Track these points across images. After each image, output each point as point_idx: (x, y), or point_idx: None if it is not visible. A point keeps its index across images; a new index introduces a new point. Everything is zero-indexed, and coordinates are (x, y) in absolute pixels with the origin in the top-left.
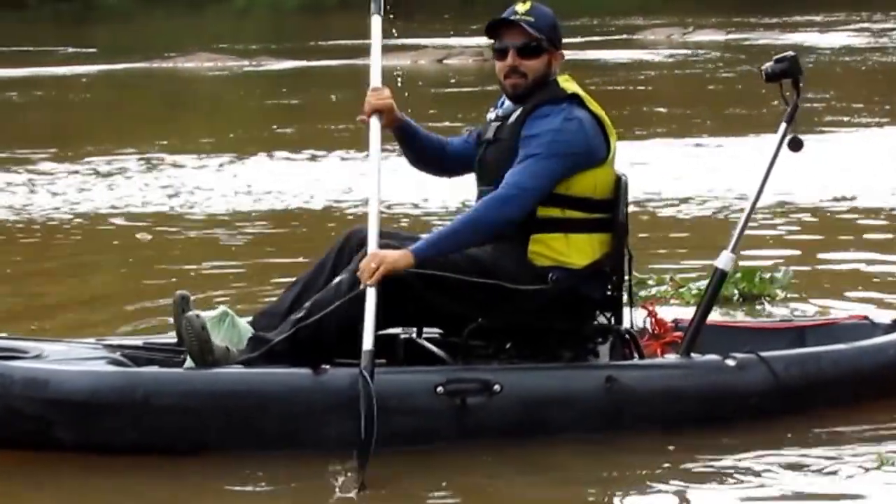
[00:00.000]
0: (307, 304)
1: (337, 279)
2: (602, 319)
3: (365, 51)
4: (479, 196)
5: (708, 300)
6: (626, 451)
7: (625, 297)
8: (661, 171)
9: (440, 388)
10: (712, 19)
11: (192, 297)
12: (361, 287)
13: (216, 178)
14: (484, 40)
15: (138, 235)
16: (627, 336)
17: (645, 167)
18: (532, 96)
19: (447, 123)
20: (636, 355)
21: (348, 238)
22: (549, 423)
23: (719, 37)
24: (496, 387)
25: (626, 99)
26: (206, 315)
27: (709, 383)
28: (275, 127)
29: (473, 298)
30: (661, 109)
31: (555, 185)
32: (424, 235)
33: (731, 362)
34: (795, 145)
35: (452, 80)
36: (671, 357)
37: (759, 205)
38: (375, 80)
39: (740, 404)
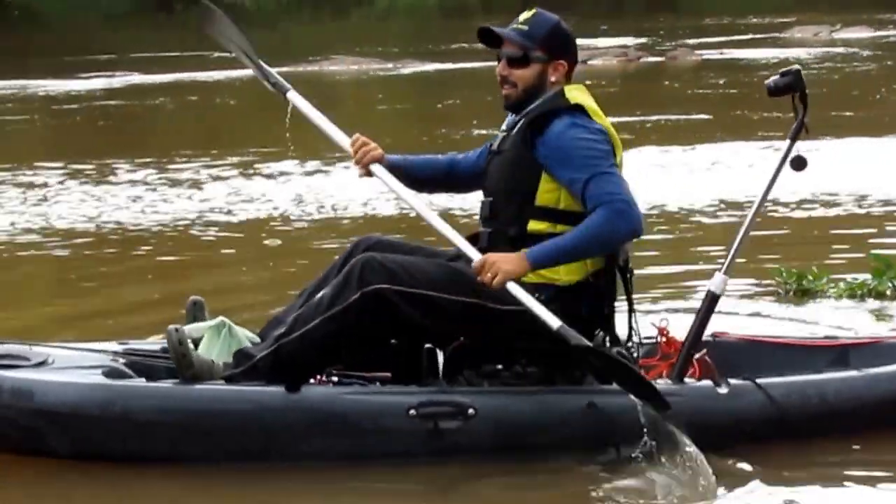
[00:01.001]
0: (289, 319)
1: (319, 294)
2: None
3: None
4: (483, 207)
5: (700, 323)
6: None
7: (618, 316)
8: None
9: (413, 411)
10: (863, 16)
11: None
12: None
13: (351, 181)
14: (629, 40)
15: (267, 242)
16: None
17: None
18: (526, 106)
19: None
20: None
21: (357, 245)
22: (526, 449)
23: (866, 34)
24: (470, 410)
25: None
26: (201, 325)
27: (698, 411)
28: (416, 131)
29: (455, 317)
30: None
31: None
32: (429, 247)
33: (723, 389)
34: (798, 164)
35: (587, 83)
36: (661, 382)
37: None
38: (342, 140)
39: (734, 433)
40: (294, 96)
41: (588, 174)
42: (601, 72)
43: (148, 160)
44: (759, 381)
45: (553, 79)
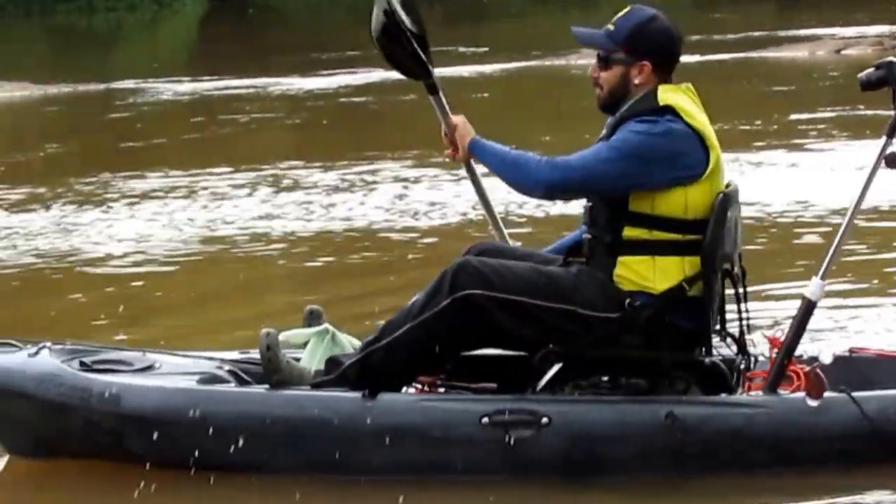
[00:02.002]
0: (381, 325)
1: (411, 300)
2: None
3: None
4: (584, 213)
5: (795, 333)
6: (689, 493)
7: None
8: None
9: (485, 419)
10: None
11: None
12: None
13: None
14: (884, 28)
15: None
16: (715, 369)
17: None
18: (617, 107)
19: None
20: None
21: (468, 252)
22: (601, 461)
23: None
24: (544, 419)
25: None
26: (306, 331)
27: (787, 425)
28: None
29: (546, 323)
30: None
31: (623, 185)
32: (520, 246)
33: (814, 402)
34: (893, 161)
35: (833, 73)
36: (752, 394)
37: None
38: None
39: (824, 449)
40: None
41: (601, 141)
42: (854, 62)
43: (397, 158)
44: (854, 394)
45: (637, 81)
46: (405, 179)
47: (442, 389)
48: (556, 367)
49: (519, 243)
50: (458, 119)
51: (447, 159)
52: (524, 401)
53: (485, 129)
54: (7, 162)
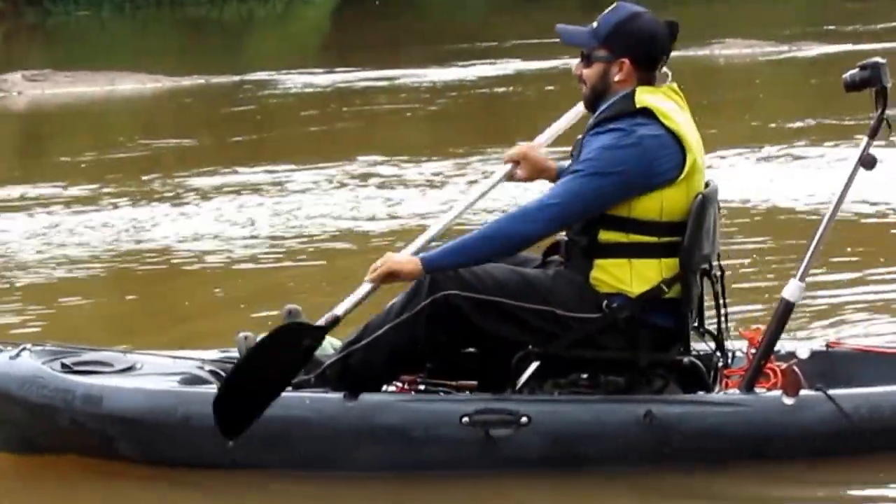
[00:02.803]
0: (361, 326)
1: (391, 302)
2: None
3: None
4: None
5: (772, 333)
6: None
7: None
8: None
9: (465, 418)
10: None
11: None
12: (364, 281)
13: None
14: None
15: None
16: (692, 368)
17: None
18: (598, 106)
19: None
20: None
21: None
22: (580, 459)
23: None
24: (524, 418)
25: None
26: None
27: (764, 423)
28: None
29: (524, 324)
30: None
31: (600, 206)
32: (525, 253)
33: (790, 400)
34: (869, 163)
35: None
36: (730, 392)
37: None
38: (541, 139)
39: (801, 447)
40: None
41: (573, 169)
42: None
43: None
44: (830, 392)
45: (617, 78)
46: None
47: (422, 387)
48: (533, 366)
49: None
50: (383, 262)
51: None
52: (504, 400)
53: None
54: (132, 154)
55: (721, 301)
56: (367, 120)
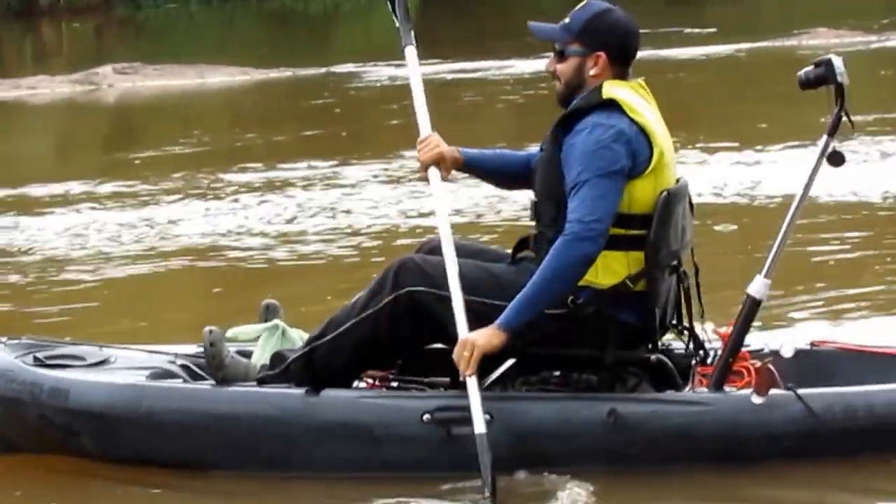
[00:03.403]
0: (325, 322)
1: (354, 298)
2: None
3: None
4: (530, 208)
5: (739, 331)
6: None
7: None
8: None
9: (427, 416)
10: None
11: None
12: (461, 378)
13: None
14: None
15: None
16: (660, 365)
17: None
18: (570, 102)
19: None
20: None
21: (422, 246)
22: (543, 458)
23: None
24: (486, 416)
25: None
26: (257, 327)
27: (731, 423)
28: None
29: (488, 320)
30: None
31: (618, 204)
32: (472, 242)
33: (758, 400)
34: (836, 160)
35: None
36: (697, 391)
37: None
38: (423, 127)
39: (769, 446)
40: (410, 53)
41: (578, 179)
42: None
43: None
44: (800, 391)
45: (592, 72)
46: None
47: (395, 384)
48: (508, 363)
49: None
50: (461, 342)
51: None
52: (466, 398)
53: (704, 114)
54: (219, 147)
55: (694, 298)
56: (451, 112)
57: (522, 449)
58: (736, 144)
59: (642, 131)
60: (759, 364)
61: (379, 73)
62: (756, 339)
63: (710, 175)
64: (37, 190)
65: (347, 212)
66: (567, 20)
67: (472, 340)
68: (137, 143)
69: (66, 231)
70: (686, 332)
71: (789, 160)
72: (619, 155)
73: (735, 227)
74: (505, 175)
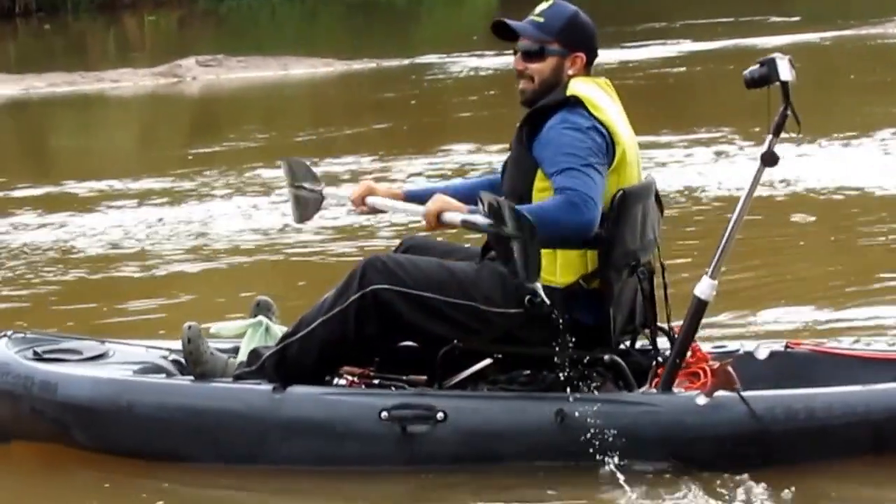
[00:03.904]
0: (297, 320)
1: (325, 296)
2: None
3: None
4: None
5: (686, 332)
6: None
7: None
8: None
9: (385, 413)
10: None
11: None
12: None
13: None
14: None
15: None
16: (613, 365)
17: None
18: (540, 101)
19: None
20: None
21: (399, 245)
22: (492, 456)
23: None
24: (440, 414)
25: None
26: (241, 323)
27: (675, 424)
28: None
29: (448, 318)
30: None
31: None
32: (447, 241)
33: (702, 401)
34: (770, 160)
35: None
36: (647, 392)
37: None
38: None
39: (712, 448)
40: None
41: (562, 167)
42: None
43: (712, 130)
44: (744, 393)
45: (571, 72)
46: (722, 154)
47: (376, 382)
48: (484, 363)
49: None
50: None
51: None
52: (423, 396)
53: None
54: (300, 139)
55: (651, 298)
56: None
57: (474, 446)
58: (817, 135)
59: (605, 128)
60: (716, 365)
61: (463, 63)
62: (733, 342)
63: (787, 165)
64: (114, 184)
65: None
66: (540, 19)
67: (428, 208)
68: (220, 135)
69: (142, 224)
70: (648, 331)
71: (867, 151)
72: (592, 146)
73: (813, 217)
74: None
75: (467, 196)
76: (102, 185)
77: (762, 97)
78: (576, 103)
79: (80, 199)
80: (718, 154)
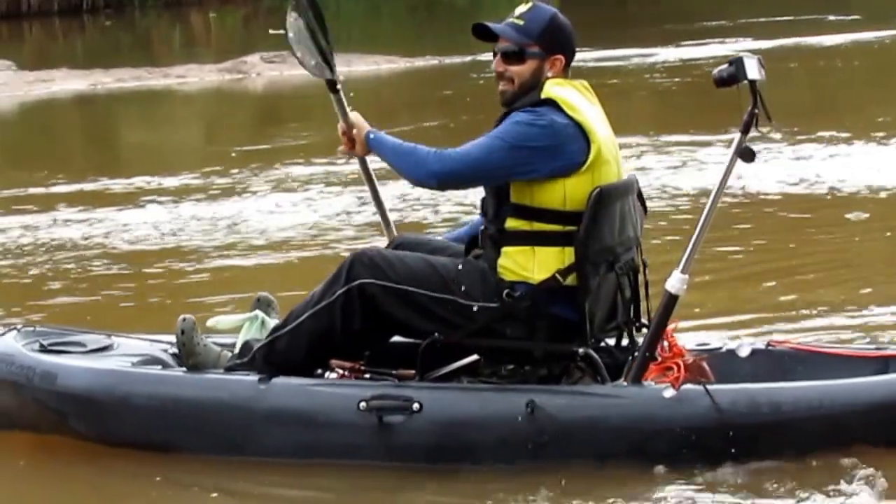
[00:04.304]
0: (288, 313)
1: (313, 290)
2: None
3: None
4: (480, 203)
5: (656, 326)
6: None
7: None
8: None
9: (363, 404)
10: None
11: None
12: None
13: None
14: None
15: (850, 215)
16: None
17: None
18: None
19: None
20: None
21: (391, 242)
22: (466, 447)
23: None
24: (416, 405)
25: None
26: (239, 317)
27: (641, 416)
28: None
29: (430, 313)
30: None
31: (501, 176)
32: (438, 238)
33: (668, 394)
34: (747, 156)
35: None
36: (617, 385)
37: None
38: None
39: (678, 440)
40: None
41: (486, 134)
42: None
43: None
44: (709, 387)
45: (550, 74)
46: (787, 151)
47: (367, 376)
48: (471, 358)
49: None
50: (354, 116)
51: (341, 155)
52: (401, 387)
53: (844, 101)
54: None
55: (630, 294)
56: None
57: (448, 436)
58: (872, 133)
59: (580, 128)
60: (691, 359)
61: None
62: (716, 338)
63: (844, 163)
64: (175, 179)
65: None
66: (520, 22)
67: (359, 122)
68: (282, 130)
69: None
70: (626, 327)
71: None
72: (535, 137)
73: (867, 215)
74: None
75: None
76: (165, 179)
77: (826, 95)
78: (551, 105)
79: (138, 193)
80: (795, 151)
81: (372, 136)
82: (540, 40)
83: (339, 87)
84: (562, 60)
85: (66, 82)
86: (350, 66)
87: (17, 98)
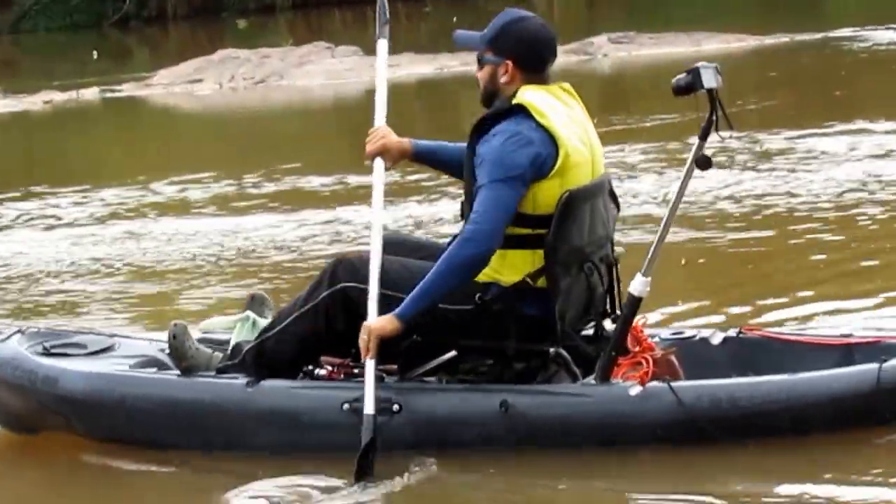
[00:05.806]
0: (275, 315)
1: (300, 293)
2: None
3: None
4: (460, 206)
5: (621, 327)
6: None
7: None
8: None
9: (346, 405)
10: None
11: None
12: (362, 361)
13: None
14: None
15: None
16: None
17: None
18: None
19: None
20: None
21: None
22: (444, 446)
23: None
24: (395, 406)
25: None
26: (231, 318)
27: (608, 412)
28: None
29: None
30: None
31: (517, 205)
32: (422, 237)
33: (634, 391)
34: (704, 164)
35: None
36: (585, 382)
37: None
38: (377, 118)
39: (644, 435)
40: (382, 46)
41: (479, 184)
42: None
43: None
44: (673, 384)
45: (503, 79)
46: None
47: (356, 371)
48: (449, 355)
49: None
50: (363, 328)
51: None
52: (381, 388)
53: None
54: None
55: (605, 293)
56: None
57: (426, 436)
58: None
59: (548, 134)
60: (659, 354)
61: (878, 37)
62: (690, 328)
63: None
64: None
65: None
66: (485, 29)
67: (369, 326)
68: (635, 109)
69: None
70: (602, 318)
71: None
72: (521, 161)
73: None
74: (457, 166)
75: (451, 158)
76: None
77: None
78: (521, 111)
79: None
80: None
81: (400, 314)
82: (491, 45)
83: None
84: (510, 65)
85: (412, 67)
86: (699, 45)
87: (364, 84)
